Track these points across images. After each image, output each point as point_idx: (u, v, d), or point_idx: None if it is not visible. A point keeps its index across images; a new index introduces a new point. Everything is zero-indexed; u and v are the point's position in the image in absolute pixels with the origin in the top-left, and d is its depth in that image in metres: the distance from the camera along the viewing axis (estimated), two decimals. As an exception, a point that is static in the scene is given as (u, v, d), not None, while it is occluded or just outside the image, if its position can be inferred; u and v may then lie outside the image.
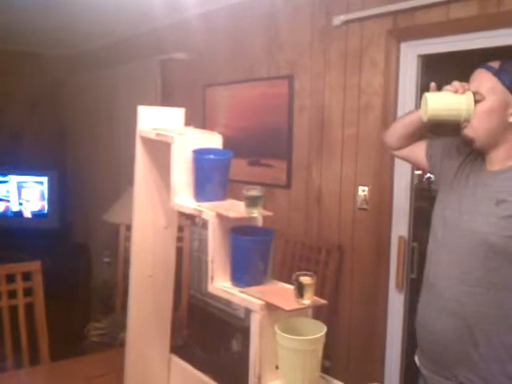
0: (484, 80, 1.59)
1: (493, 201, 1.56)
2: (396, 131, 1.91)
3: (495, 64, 1.60)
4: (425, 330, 1.73)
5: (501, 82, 1.56)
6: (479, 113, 1.57)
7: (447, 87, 1.62)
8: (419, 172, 4.17)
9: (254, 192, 1.48)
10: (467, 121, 1.58)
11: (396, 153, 1.97)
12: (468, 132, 1.61)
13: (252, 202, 1.47)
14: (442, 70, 2.81)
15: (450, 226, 1.67)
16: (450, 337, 1.63)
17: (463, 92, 1.58)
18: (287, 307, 1.31)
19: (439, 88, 1.67)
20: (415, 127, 1.82)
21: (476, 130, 1.59)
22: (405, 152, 1.93)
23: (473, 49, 2.41)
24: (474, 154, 1.71)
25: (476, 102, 1.56)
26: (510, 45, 2.25)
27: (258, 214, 1.49)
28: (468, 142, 1.64)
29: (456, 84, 1.60)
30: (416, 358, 1.83)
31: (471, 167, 1.70)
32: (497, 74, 1.57)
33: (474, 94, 1.57)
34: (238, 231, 1.45)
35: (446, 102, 1.59)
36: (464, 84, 1.61)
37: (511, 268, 1.54)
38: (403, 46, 2.68)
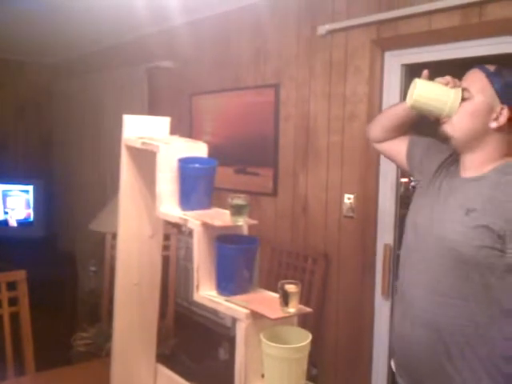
0: (476, 80, 1.55)
1: (463, 209, 1.52)
2: (380, 123, 1.87)
3: (491, 67, 1.57)
4: (400, 342, 1.69)
5: (492, 85, 1.53)
6: (463, 111, 1.54)
7: (439, 79, 1.60)
8: (405, 180, 4.19)
9: (239, 200, 1.48)
10: (449, 116, 1.55)
11: (377, 145, 1.92)
12: (447, 128, 1.58)
13: (237, 210, 1.48)
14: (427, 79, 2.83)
15: (420, 233, 1.64)
16: (424, 349, 1.58)
17: (453, 86, 1.56)
18: (272, 315, 1.32)
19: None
20: (399, 120, 1.79)
21: (455, 127, 1.56)
22: (386, 146, 1.88)
23: (456, 58, 2.44)
24: (451, 158, 1.69)
25: (463, 99, 1.54)
26: (492, 54, 2.28)
27: (243, 223, 1.49)
28: (445, 138, 1.61)
29: (448, 77, 1.58)
30: (392, 363, 1.81)
31: (447, 172, 1.67)
32: (490, 76, 1.54)
33: (463, 90, 1.55)
34: (223, 239, 1.46)
35: (433, 91, 1.56)
36: (456, 80, 1.59)
37: (481, 279, 1.49)
38: (387, 55, 2.72)
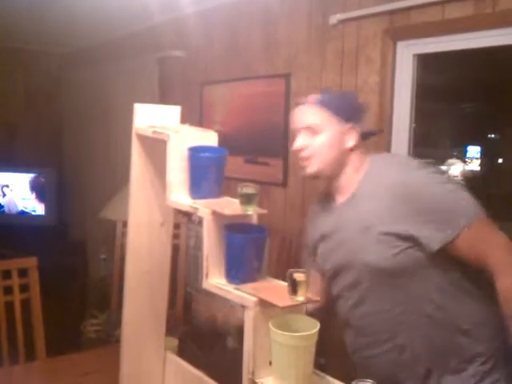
0: (313, 113, 1.60)
1: (357, 233, 1.57)
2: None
3: (315, 96, 1.63)
4: (362, 363, 1.80)
5: (329, 110, 1.59)
6: (320, 147, 1.59)
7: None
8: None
9: (249, 189, 1.48)
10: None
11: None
12: (311, 169, 1.63)
13: (247, 199, 1.48)
14: (439, 69, 2.82)
15: (336, 273, 1.70)
16: (387, 363, 1.65)
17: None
18: (281, 304, 1.32)
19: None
20: None
21: (319, 164, 1.61)
22: (324, 285, 1.83)
23: (468, 48, 2.42)
24: (321, 204, 1.77)
25: (313, 136, 1.59)
26: (506, 45, 2.26)
27: (252, 212, 1.49)
28: (314, 178, 1.66)
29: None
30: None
31: (327, 216, 1.72)
32: (321, 103, 1.59)
33: (308, 129, 1.61)
34: (232, 228, 1.46)
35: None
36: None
37: (412, 285, 1.56)
38: (399, 45, 2.70)
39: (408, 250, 1.51)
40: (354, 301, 1.69)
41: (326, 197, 1.75)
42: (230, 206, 1.51)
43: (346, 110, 1.62)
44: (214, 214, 1.47)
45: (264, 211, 1.51)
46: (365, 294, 1.65)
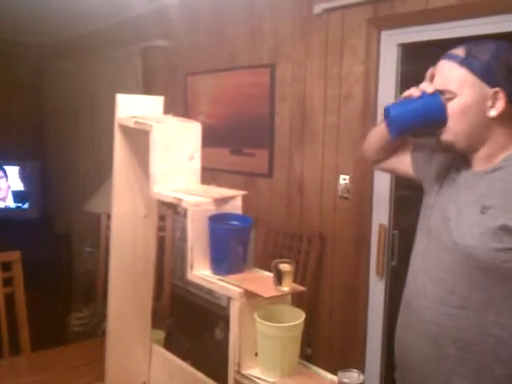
0: (451, 73, 1.36)
1: (477, 207, 1.33)
2: (373, 144, 1.69)
3: (460, 52, 1.36)
4: (403, 357, 1.53)
5: (471, 71, 1.33)
6: (453, 113, 1.36)
7: (406, 94, 1.43)
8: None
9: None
10: (442, 125, 1.38)
11: (379, 166, 1.74)
12: (446, 137, 1.40)
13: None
14: (423, 58, 2.81)
15: (433, 238, 1.45)
16: (431, 367, 1.41)
17: (430, 93, 1.38)
18: (266, 294, 1.32)
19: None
20: (391, 138, 1.57)
21: (454, 132, 1.37)
22: (388, 163, 1.70)
23: (453, 37, 2.42)
24: (463, 155, 1.48)
25: (447, 101, 1.36)
26: (488, 34, 2.26)
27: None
28: (447, 149, 1.43)
29: (421, 86, 1.41)
30: (396, 376, 1.63)
31: (458, 169, 1.47)
32: (465, 63, 1.34)
33: (442, 92, 1.37)
34: (217, 219, 1.45)
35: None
36: (428, 84, 1.41)
37: (500, 288, 1.31)
38: (383, 34, 2.69)
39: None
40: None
41: (463, 157, 1.48)
42: (212, 194, 1.50)
43: (496, 73, 1.32)
44: (198, 204, 1.46)
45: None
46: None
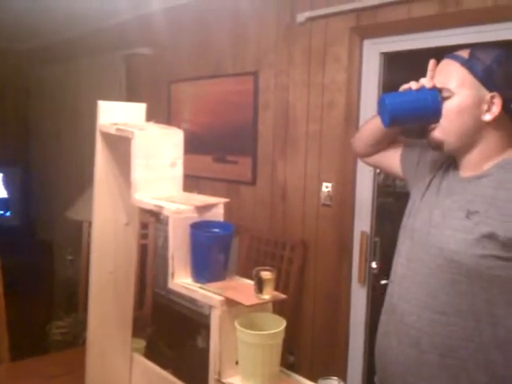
0: (452, 72, 1.36)
1: (463, 212, 1.33)
2: (363, 137, 1.69)
3: (464, 53, 1.36)
4: (384, 360, 1.51)
5: (472, 73, 1.33)
6: (448, 111, 1.35)
7: (406, 86, 1.42)
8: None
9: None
10: (435, 122, 1.38)
11: (366, 160, 1.75)
12: (437, 135, 1.39)
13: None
14: (405, 67, 2.84)
15: (417, 241, 1.44)
16: (411, 371, 1.40)
17: (428, 88, 1.37)
18: (247, 302, 1.31)
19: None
20: (383, 132, 1.59)
21: (446, 131, 1.37)
22: (376, 158, 1.70)
23: (434, 46, 2.45)
24: (450, 158, 1.48)
25: (444, 99, 1.35)
26: (468, 43, 2.29)
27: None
28: (436, 147, 1.42)
29: (420, 80, 1.40)
30: (376, 380, 1.62)
31: (445, 174, 1.47)
32: (467, 64, 1.34)
33: (441, 90, 1.36)
34: (198, 227, 1.45)
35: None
36: (428, 79, 1.40)
37: (482, 294, 1.30)
38: (366, 43, 2.71)
39: (497, 260, 1.28)
40: None
41: (452, 160, 1.47)
42: (194, 201, 1.49)
43: (496, 77, 1.32)
44: (180, 211, 1.45)
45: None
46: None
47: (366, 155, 1.73)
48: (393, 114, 1.37)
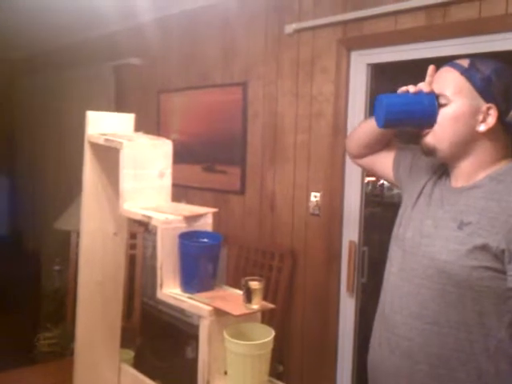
0: (450, 80, 1.35)
1: (455, 222, 1.32)
2: (357, 138, 1.69)
3: (464, 62, 1.36)
4: (376, 371, 1.51)
5: (470, 82, 1.33)
6: (443, 118, 1.35)
7: (404, 88, 1.42)
8: (373, 178, 4.24)
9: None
10: (429, 127, 1.37)
11: (358, 161, 1.73)
12: (429, 140, 1.38)
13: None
14: (392, 78, 2.87)
15: (408, 251, 1.43)
16: (403, 382, 1.40)
17: (426, 93, 1.38)
18: (235, 312, 1.32)
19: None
20: (378, 134, 1.59)
21: (439, 138, 1.36)
22: (368, 161, 1.70)
23: (420, 58, 2.48)
24: (443, 167, 1.48)
25: (440, 106, 1.35)
26: (455, 55, 2.32)
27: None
28: (428, 152, 1.41)
29: (419, 84, 1.40)
30: None
31: (437, 182, 1.47)
32: (466, 73, 1.33)
33: (438, 96, 1.36)
34: (186, 237, 1.45)
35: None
36: (427, 84, 1.40)
37: (472, 305, 1.30)
38: (353, 54, 2.74)
39: (487, 271, 1.27)
40: None
41: (445, 169, 1.47)
42: (183, 212, 1.50)
43: (494, 89, 1.32)
44: (168, 222, 1.45)
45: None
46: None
47: (358, 156, 1.72)
48: (388, 114, 1.37)
